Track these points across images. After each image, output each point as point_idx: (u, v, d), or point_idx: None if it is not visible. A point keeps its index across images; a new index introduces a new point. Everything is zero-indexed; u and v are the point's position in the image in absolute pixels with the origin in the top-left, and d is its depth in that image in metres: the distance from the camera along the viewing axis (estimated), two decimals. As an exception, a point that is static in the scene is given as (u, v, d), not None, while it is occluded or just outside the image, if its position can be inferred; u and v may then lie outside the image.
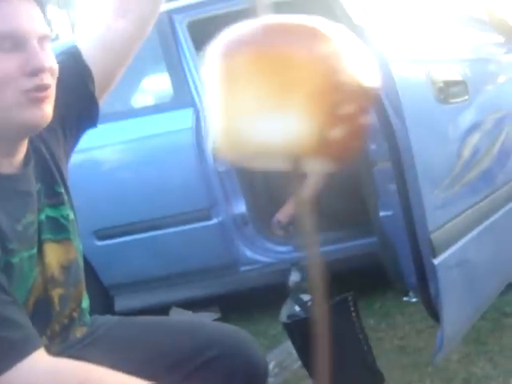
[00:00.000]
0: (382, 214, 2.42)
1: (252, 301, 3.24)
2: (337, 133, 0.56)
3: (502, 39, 2.82)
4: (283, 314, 2.28)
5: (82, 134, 1.39)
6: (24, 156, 1.22)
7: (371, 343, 2.14)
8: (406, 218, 1.91)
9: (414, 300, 2.94)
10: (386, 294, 3.10)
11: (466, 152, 2.15)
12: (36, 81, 1.12)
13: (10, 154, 1.18)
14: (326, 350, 0.58)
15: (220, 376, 1.36)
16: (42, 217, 1.24)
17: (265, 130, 0.56)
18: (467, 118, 2.24)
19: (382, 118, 1.90)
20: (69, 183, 1.34)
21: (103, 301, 3.15)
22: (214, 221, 3.04)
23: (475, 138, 2.23)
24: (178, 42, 3.13)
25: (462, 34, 2.66)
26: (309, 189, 2.97)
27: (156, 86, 3.66)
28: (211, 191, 3.01)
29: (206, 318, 3.12)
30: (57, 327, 1.29)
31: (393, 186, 2.00)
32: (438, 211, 1.93)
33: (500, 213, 2.22)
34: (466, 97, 2.19)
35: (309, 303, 2.25)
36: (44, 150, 1.28)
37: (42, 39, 1.14)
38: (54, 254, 1.25)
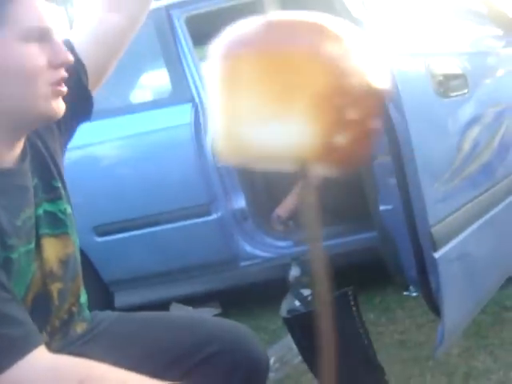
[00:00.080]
0: (382, 208, 2.42)
1: (252, 296, 3.25)
2: (343, 138, 0.53)
3: (500, 32, 2.81)
4: (283, 309, 2.27)
5: (76, 127, 1.39)
6: (21, 151, 1.22)
7: (371, 338, 2.13)
8: (406, 211, 1.91)
9: (414, 294, 2.94)
10: (386, 289, 3.10)
11: (466, 145, 2.14)
12: (60, 74, 1.16)
13: (12, 144, 1.19)
14: (330, 345, 0.57)
15: (221, 372, 1.36)
16: (40, 212, 1.24)
17: (267, 134, 0.54)
18: (467, 112, 2.24)
19: (382, 112, 1.90)
20: (65, 177, 1.34)
21: (103, 297, 3.15)
22: (214, 216, 3.03)
23: (475, 132, 2.22)
24: (176, 37, 3.12)
25: (461, 27, 2.65)
26: (309, 186, 2.97)
27: (154, 81, 3.65)
28: (211, 186, 3.01)
29: (206, 314, 3.12)
30: (57, 323, 1.29)
31: (393, 180, 2.00)
32: (438, 205, 1.93)
33: (500, 206, 2.22)
34: (466, 90, 2.19)
35: (309, 298, 2.24)
36: (40, 145, 1.28)
37: (57, 34, 1.18)
38: (52, 249, 1.25)
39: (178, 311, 3.21)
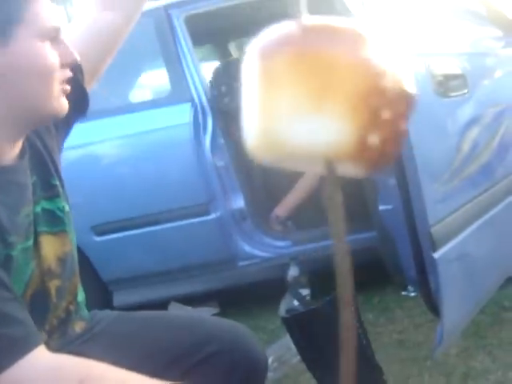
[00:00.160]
0: (381, 207, 2.41)
1: (251, 295, 3.24)
2: (376, 138, 0.55)
3: (500, 33, 2.81)
4: (282, 309, 2.28)
5: (72, 125, 1.40)
6: (20, 149, 1.22)
7: (370, 337, 2.13)
8: (406, 211, 1.91)
9: (412, 294, 2.94)
10: (385, 289, 3.10)
11: (466, 146, 2.14)
12: (68, 73, 1.18)
13: (14, 142, 1.19)
14: (352, 354, 0.58)
15: (220, 371, 1.36)
16: (38, 209, 1.24)
17: (304, 131, 0.55)
18: (466, 112, 2.24)
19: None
20: (63, 176, 1.34)
21: (102, 296, 3.15)
22: (213, 216, 3.03)
23: (475, 132, 2.22)
24: (175, 36, 3.11)
25: (461, 27, 2.66)
26: (309, 182, 2.97)
27: (154, 80, 3.65)
28: (209, 186, 3.01)
29: (205, 313, 3.12)
30: (54, 321, 1.29)
31: (392, 180, 2.00)
32: (437, 205, 1.93)
33: (499, 206, 2.22)
34: (466, 90, 2.19)
35: (307, 297, 2.25)
36: (38, 143, 1.28)
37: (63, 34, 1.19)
38: (50, 247, 1.26)
39: (177, 310, 3.21)
